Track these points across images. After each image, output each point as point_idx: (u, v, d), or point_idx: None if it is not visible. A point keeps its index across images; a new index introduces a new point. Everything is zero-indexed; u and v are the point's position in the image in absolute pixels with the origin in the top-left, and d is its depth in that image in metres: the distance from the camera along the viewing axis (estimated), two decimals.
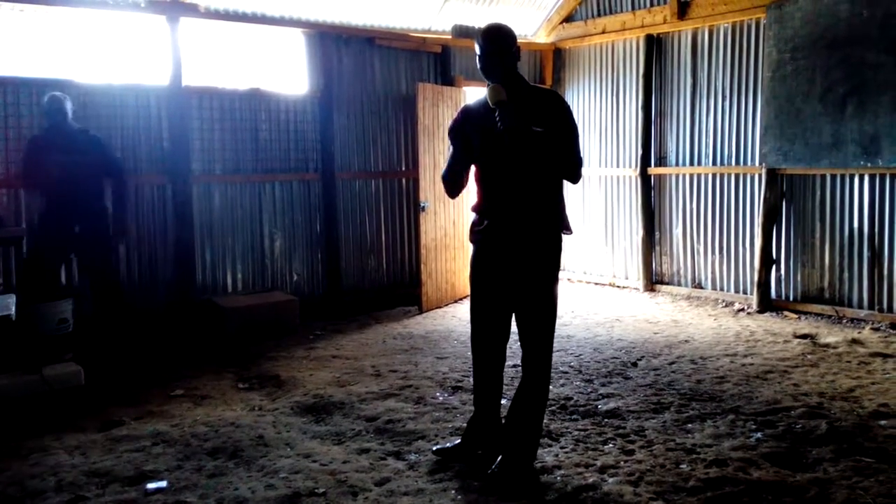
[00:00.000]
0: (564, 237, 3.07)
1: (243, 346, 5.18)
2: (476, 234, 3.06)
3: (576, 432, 3.47)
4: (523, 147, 2.83)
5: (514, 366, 4.62)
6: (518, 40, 3.03)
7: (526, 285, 2.96)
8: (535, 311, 2.96)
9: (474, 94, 7.46)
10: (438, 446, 3.25)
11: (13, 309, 3.95)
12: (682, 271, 6.88)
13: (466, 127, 3.04)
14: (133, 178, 5.51)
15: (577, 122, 3.12)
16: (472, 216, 3.12)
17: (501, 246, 2.98)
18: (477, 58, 2.98)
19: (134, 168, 5.52)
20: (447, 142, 6.45)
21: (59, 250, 4.90)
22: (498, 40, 2.94)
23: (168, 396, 4.13)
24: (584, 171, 7.59)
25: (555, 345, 5.10)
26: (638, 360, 4.74)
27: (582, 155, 3.03)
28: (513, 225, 2.95)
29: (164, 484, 2.98)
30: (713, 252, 6.62)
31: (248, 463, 3.17)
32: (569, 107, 3.00)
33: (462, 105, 3.12)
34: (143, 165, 5.55)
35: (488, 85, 2.91)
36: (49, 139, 4.74)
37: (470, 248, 3.14)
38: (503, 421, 3.13)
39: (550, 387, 4.13)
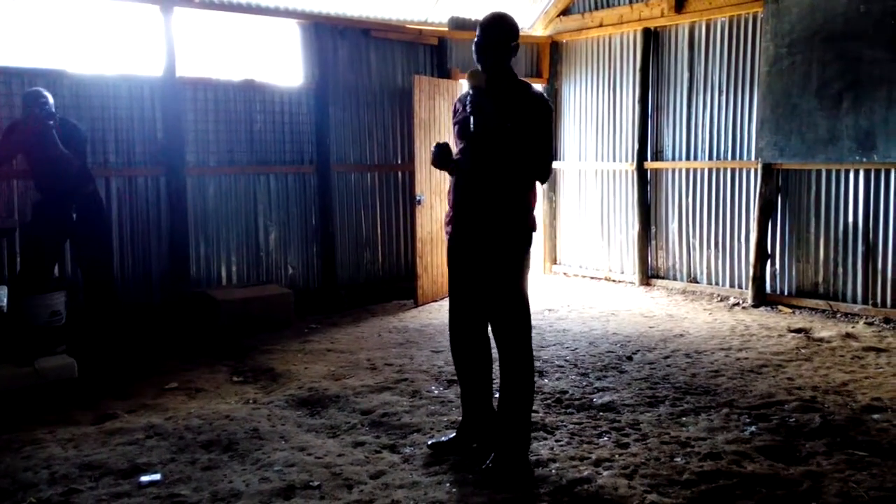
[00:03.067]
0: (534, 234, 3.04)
1: (238, 339, 5.16)
2: (446, 226, 3.07)
3: (571, 426, 3.47)
4: (491, 137, 2.83)
5: None
6: (517, 36, 2.97)
7: (490, 281, 2.94)
8: (501, 306, 2.95)
9: None
10: (433, 440, 3.25)
11: (5, 301, 3.92)
12: (677, 266, 6.89)
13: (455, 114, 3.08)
14: (126, 170, 5.48)
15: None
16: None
17: (466, 239, 2.98)
18: (473, 44, 2.97)
19: (127, 160, 5.49)
20: (443, 134, 6.47)
21: (57, 239, 4.87)
22: (493, 33, 2.91)
23: (162, 389, 4.11)
24: (581, 165, 7.65)
25: (550, 339, 5.14)
26: (633, 353, 4.74)
27: (551, 155, 2.98)
28: (475, 218, 2.94)
29: (157, 477, 2.97)
30: (709, 246, 6.62)
31: (242, 456, 3.16)
32: (549, 108, 2.94)
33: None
34: (136, 157, 5.52)
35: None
36: (29, 129, 4.64)
37: None
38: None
39: (546, 381, 4.16)
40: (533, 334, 5.22)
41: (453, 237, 3.03)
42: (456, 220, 3.00)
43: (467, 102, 2.91)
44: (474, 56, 2.95)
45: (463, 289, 3.04)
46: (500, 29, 2.93)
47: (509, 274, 2.93)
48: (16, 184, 5.07)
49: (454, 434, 3.22)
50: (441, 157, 2.98)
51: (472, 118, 2.85)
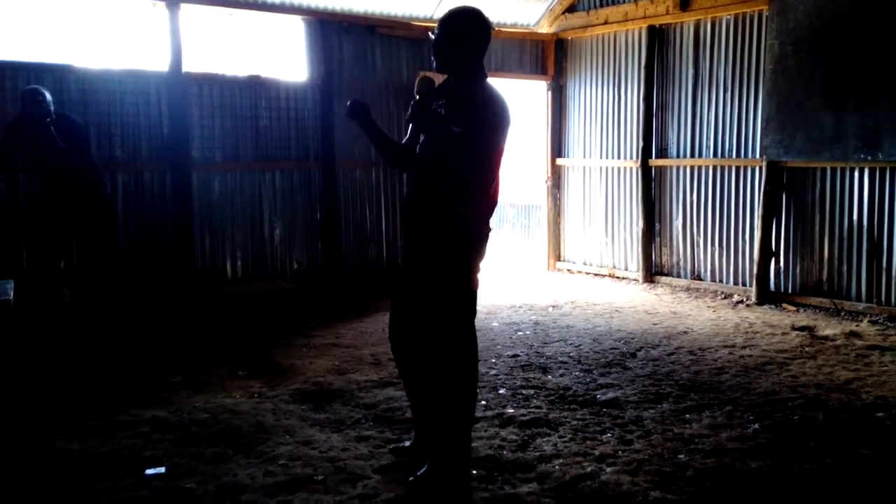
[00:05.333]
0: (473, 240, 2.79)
1: (243, 334, 5.18)
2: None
3: (574, 422, 3.48)
4: (434, 144, 2.69)
5: (513, 356, 4.64)
6: (484, 31, 2.72)
7: (418, 288, 2.80)
8: (435, 321, 2.79)
9: None
10: (394, 445, 3.13)
11: (12, 294, 3.94)
12: (681, 263, 6.88)
13: None
14: (132, 166, 5.50)
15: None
16: None
17: (407, 250, 2.88)
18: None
19: (133, 155, 5.51)
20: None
21: (62, 234, 4.90)
22: (446, 29, 2.68)
23: (167, 383, 4.13)
24: (586, 162, 7.63)
25: (554, 335, 5.15)
26: (637, 350, 4.75)
27: (483, 176, 2.67)
28: (407, 221, 2.85)
29: (162, 470, 2.98)
30: (713, 244, 6.62)
31: (247, 450, 3.18)
32: (502, 118, 2.68)
33: None
34: (142, 152, 5.54)
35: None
36: (26, 127, 4.64)
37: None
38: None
39: (550, 377, 4.17)
40: (537, 330, 5.28)
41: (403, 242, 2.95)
42: (402, 226, 2.91)
43: (409, 109, 2.74)
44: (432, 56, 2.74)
45: (402, 300, 2.89)
46: (455, 24, 2.68)
47: (435, 283, 2.75)
48: (21, 179, 5.09)
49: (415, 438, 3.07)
50: (359, 111, 2.79)
51: (409, 125, 2.72)
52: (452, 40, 2.68)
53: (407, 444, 3.10)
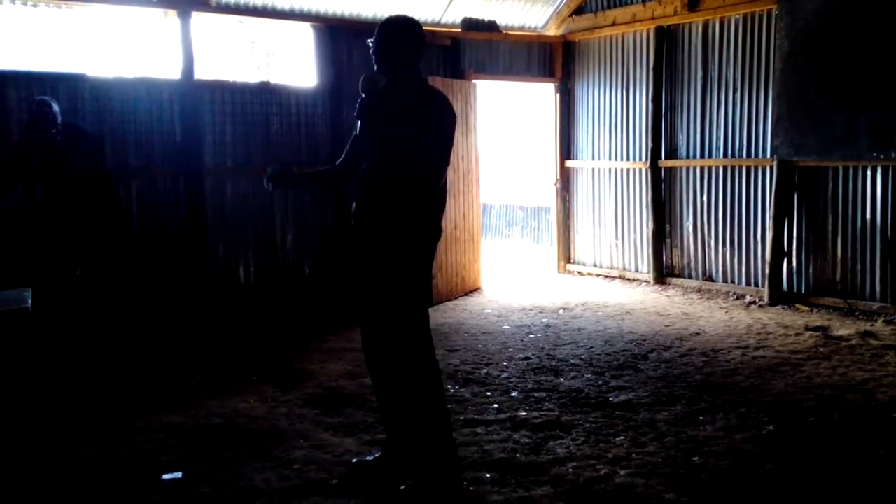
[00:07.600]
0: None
1: (255, 338, 5.21)
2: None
3: (587, 424, 3.48)
4: (383, 144, 2.78)
5: (525, 358, 4.64)
6: (418, 37, 2.87)
7: (374, 294, 2.82)
8: (385, 321, 2.81)
9: (485, 87, 7.44)
10: (356, 459, 3.05)
11: (30, 302, 3.99)
12: (692, 264, 6.86)
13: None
14: (146, 172, 5.56)
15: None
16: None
17: (357, 249, 2.88)
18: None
19: (147, 162, 5.57)
20: (458, 137, 6.47)
21: (76, 242, 4.96)
22: (382, 34, 2.83)
23: (182, 388, 4.16)
24: (595, 164, 7.60)
25: (566, 337, 5.14)
26: (649, 352, 4.74)
27: (445, 162, 2.83)
28: (355, 219, 2.87)
29: (179, 474, 3.02)
30: (724, 244, 6.59)
31: (261, 454, 3.20)
32: (453, 115, 2.85)
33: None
34: (156, 159, 5.59)
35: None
36: (34, 137, 4.70)
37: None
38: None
39: (562, 379, 4.17)
40: (548, 333, 5.29)
41: (353, 246, 2.93)
42: (353, 229, 2.90)
43: (356, 107, 2.81)
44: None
45: (361, 302, 2.90)
46: (393, 30, 2.85)
47: (381, 283, 2.79)
48: (38, 187, 5.15)
49: (380, 454, 3.00)
50: (278, 179, 2.96)
51: (358, 123, 2.80)
52: (392, 44, 2.84)
53: (369, 458, 3.01)
